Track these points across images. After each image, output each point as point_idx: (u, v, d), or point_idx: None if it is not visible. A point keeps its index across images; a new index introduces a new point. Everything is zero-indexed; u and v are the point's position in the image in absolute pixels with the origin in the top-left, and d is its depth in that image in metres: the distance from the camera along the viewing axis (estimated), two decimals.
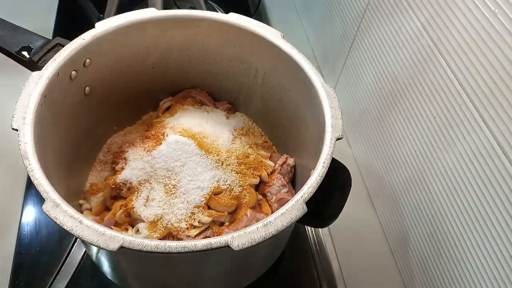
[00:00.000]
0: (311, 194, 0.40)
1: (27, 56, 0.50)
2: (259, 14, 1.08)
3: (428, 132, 0.57)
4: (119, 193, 0.54)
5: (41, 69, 0.46)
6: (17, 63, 0.51)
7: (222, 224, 0.52)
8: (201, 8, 0.87)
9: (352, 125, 0.81)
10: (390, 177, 0.68)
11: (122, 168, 0.55)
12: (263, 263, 0.55)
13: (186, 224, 0.49)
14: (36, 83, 0.45)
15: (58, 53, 0.48)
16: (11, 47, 0.51)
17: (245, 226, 0.42)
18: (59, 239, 0.63)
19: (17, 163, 0.72)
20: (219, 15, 0.55)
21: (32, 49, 0.50)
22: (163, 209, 0.50)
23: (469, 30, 0.48)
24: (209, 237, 0.44)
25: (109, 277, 0.55)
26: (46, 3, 1.02)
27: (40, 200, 0.60)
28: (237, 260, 0.48)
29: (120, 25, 0.52)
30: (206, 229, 0.50)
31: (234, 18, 0.54)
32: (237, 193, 0.52)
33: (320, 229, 0.70)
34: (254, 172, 0.56)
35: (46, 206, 0.37)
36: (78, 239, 0.63)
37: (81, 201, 0.55)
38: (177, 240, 0.40)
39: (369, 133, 0.74)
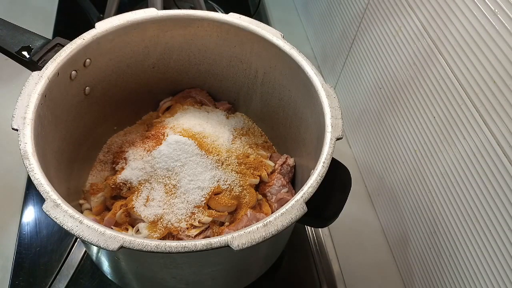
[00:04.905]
0: (311, 194, 0.40)
1: (27, 56, 0.50)
2: (259, 14, 1.08)
3: (428, 132, 0.57)
4: (119, 193, 0.54)
5: (41, 69, 0.46)
6: (17, 63, 0.51)
7: (222, 224, 0.52)
8: (201, 8, 0.87)
9: (352, 125, 0.81)
10: (390, 177, 0.68)
11: (122, 168, 0.55)
12: (263, 263, 0.55)
13: (186, 224, 0.49)
14: (36, 83, 0.45)
15: (58, 53, 0.47)
16: (11, 47, 0.51)
17: (245, 226, 0.42)
18: (59, 239, 0.63)
19: (17, 163, 0.72)
20: (219, 15, 0.55)
21: (32, 49, 0.50)
22: (163, 209, 0.50)
23: (469, 30, 0.48)
24: (209, 237, 0.44)
25: (109, 277, 0.55)
26: (46, 3, 1.02)
27: (40, 200, 0.60)
28: (237, 260, 0.48)
29: (120, 25, 0.52)
30: (206, 229, 0.50)
31: (234, 18, 0.54)
32: (237, 193, 0.52)
33: (320, 229, 0.70)
34: (254, 172, 0.56)
35: (46, 206, 0.37)
36: (78, 239, 0.63)
37: (81, 201, 0.55)
38: (177, 240, 0.40)
39: (369, 133, 0.74)
